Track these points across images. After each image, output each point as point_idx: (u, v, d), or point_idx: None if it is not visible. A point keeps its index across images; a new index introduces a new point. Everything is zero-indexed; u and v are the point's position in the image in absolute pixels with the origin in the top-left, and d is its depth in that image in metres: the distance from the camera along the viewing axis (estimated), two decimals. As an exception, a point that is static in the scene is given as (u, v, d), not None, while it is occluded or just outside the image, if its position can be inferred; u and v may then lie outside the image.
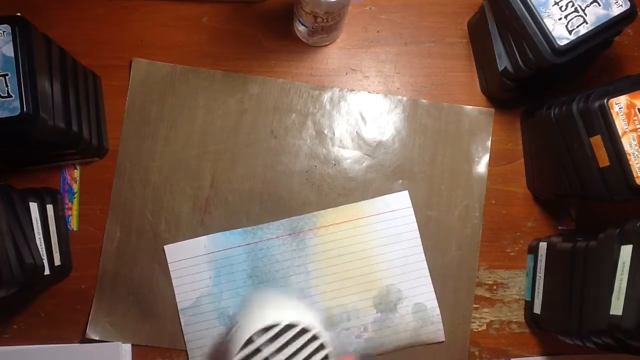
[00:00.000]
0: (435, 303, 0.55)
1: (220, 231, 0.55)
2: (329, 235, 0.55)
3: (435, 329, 0.54)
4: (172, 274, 0.54)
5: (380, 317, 0.54)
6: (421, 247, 0.55)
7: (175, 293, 0.54)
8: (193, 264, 0.54)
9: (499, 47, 0.52)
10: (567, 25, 0.46)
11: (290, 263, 0.54)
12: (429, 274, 0.55)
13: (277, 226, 0.55)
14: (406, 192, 0.56)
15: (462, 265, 0.56)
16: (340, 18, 0.52)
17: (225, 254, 0.54)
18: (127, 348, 0.53)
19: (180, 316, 0.54)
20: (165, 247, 0.54)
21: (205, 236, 0.55)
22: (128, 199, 0.56)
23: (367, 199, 0.56)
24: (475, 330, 0.56)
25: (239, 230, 0.55)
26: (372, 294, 0.54)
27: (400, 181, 0.56)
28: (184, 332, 0.53)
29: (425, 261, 0.55)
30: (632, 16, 0.47)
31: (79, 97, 0.51)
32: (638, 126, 0.43)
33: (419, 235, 0.55)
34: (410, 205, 0.55)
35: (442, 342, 0.55)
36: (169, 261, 0.54)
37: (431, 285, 0.55)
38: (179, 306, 0.54)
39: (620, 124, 0.44)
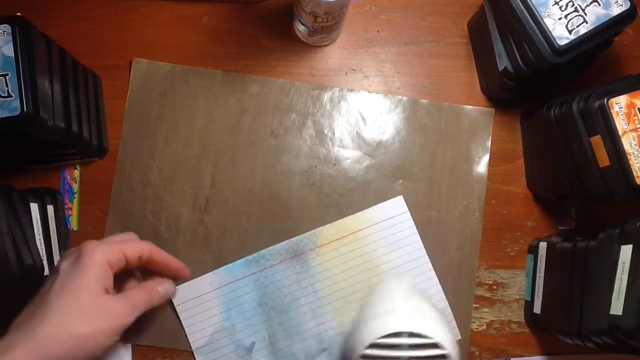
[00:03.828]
0: (445, 303, 0.54)
1: (220, 231, 0.55)
2: (331, 252, 0.54)
3: (450, 327, 0.54)
4: (181, 316, 0.53)
5: None
6: (424, 249, 0.55)
7: (187, 334, 0.53)
8: (200, 303, 0.53)
9: (499, 47, 0.52)
10: (567, 25, 0.46)
11: (296, 286, 0.54)
12: (435, 276, 0.55)
13: (279, 250, 0.54)
14: (400, 197, 0.55)
15: (462, 265, 0.56)
16: (340, 18, 0.52)
17: (231, 288, 0.54)
18: (127, 348, 0.54)
19: (196, 356, 0.53)
20: None
21: (209, 273, 0.54)
22: (128, 199, 0.56)
23: (365, 207, 0.55)
24: (475, 330, 0.56)
25: (242, 260, 0.54)
26: None
27: (400, 181, 0.56)
28: None
29: (429, 263, 0.55)
30: (632, 16, 0.46)
31: (79, 97, 0.51)
32: (638, 126, 0.43)
33: (419, 238, 0.55)
34: (407, 209, 0.55)
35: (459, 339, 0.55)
36: (175, 304, 0.53)
37: (439, 285, 0.54)
38: (193, 346, 0.53)
39: (620, 123, 0.44)
